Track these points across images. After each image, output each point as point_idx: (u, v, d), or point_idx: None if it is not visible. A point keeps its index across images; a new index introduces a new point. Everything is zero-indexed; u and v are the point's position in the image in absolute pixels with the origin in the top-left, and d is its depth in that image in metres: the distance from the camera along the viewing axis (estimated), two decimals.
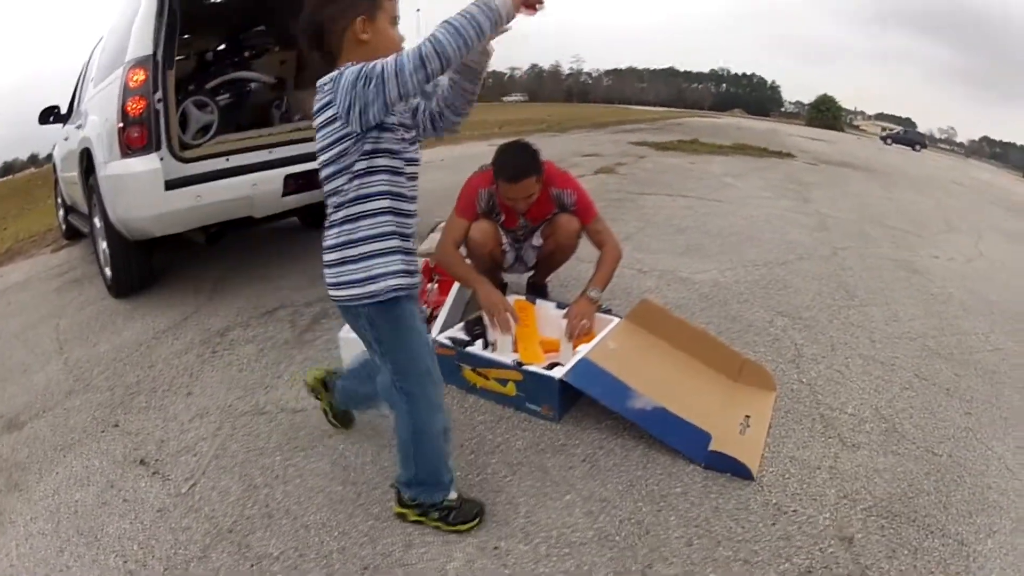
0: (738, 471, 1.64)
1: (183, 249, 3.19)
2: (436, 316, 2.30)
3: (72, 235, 4.43)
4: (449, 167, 6.96)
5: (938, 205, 7.61)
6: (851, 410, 2.04)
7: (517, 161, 2.22)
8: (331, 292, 1.35)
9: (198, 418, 1.95)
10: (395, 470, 1.51)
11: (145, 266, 3.01)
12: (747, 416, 1.86)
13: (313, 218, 3.94)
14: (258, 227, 3.18)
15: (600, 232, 2.39)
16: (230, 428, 1.88)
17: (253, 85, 3.51)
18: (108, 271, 3.01)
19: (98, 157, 2.56)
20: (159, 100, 2.42)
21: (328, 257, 1.33)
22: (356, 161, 1.26)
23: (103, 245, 2.99)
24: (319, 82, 1.27)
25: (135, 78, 2.38)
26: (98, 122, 2.62)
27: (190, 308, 2.84)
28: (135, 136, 2.40)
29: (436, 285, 2.60)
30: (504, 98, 54.15)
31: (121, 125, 2.38)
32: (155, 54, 2.41)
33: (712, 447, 1.67)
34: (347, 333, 2.19)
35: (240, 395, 2.07)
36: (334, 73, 1.24)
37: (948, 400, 2.19)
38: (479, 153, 8.59)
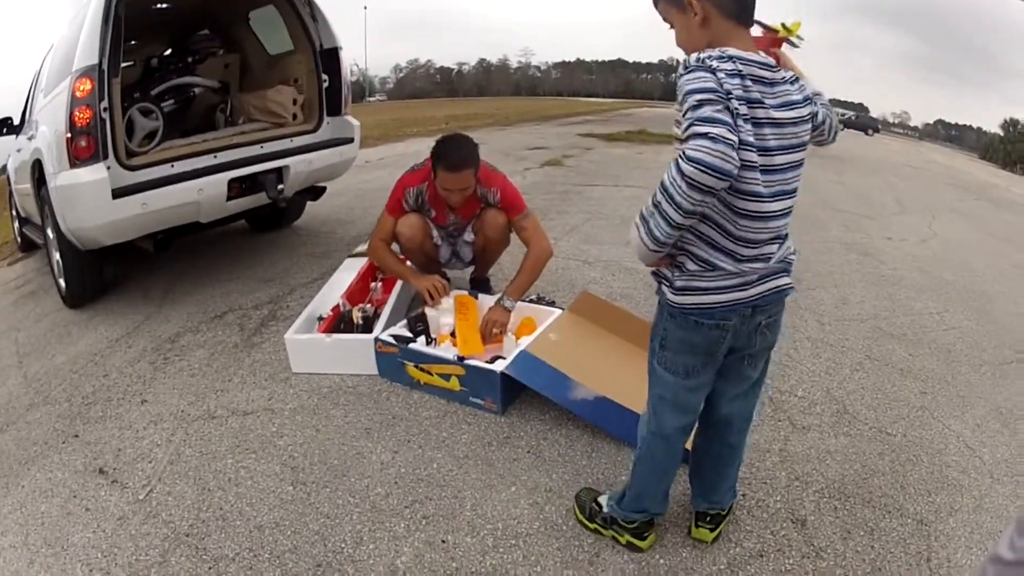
0: (684, 458, 1.62)
1: (134, 258, 3.11)
2: (380, 314, 2.29)
3: (28, 247, 4.32)
4: (390, 165, 6.92)
5: (890, 187, 7.78)
6: (801, 393, 2.06)
7: (458, 151, 2.20)
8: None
9: (152, 425, 1.91)
10: (722, 501, 1.39)
11: (97, 276, 2.95)
12: None
13: (261, 221, 3.90)
14: (205, 232, 3.13)
15: (525, 229, 2.35)
16: (183, 434, 1.85)
17: (197, 90, 3.45)
18: (62, 282, 2.95)
19: (48, 168, 2.51)
20: (105, 109, 2.37)
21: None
22: None
23: (56, 256, 2.93)
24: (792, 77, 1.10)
25: (82, 88, 2.32)
26: (48, 133, 2.56)
27: (141, 316, 2.78)
28: (82, 146, 2.34)
29: (380, 284, 2.60)
30: (368, 99, 52.95)
31: (69, 135, 2.33)
32: (100, 63, 2.36)
33: None
34: (294, 335, 2.18)
35: (192, 400, 2.03)
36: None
37: (902, 380, 2.22)
38: (422, 151, 8.38)
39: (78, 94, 2.32)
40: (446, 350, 2.05)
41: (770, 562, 1.34)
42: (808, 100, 1.10)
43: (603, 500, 1.40)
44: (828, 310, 2.83)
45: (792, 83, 1.08)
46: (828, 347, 2.43)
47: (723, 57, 1.00)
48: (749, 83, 1.00)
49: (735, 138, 0.93)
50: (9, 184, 4.08)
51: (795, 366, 2.24)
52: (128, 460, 1.74)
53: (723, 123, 0.93)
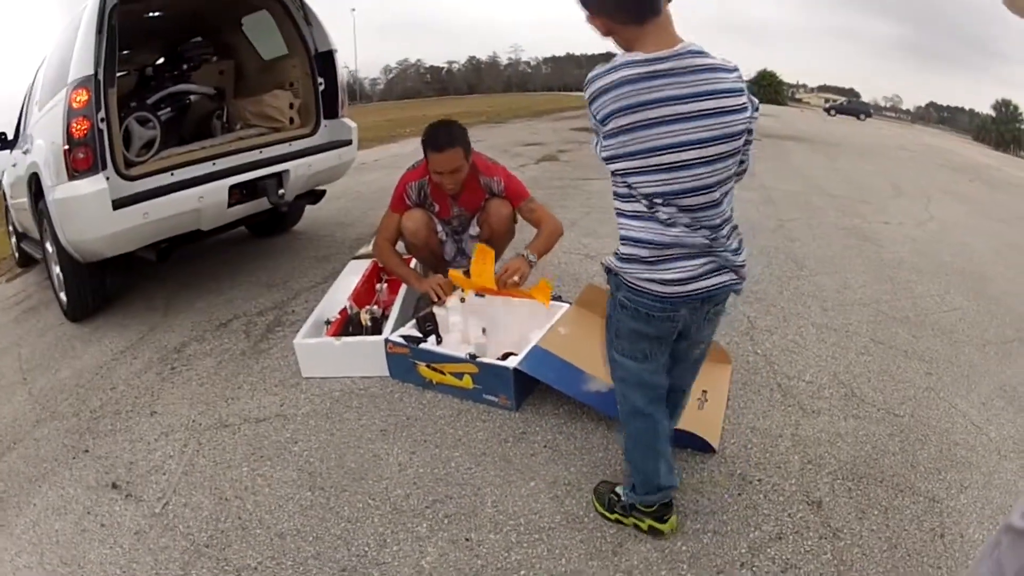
0: (699, 446, 1.66)
1: (134, 269, 3.11)
2: (388, 315, 2.30)
3: (26, 262, 4.30)
4: (385, 167, 6.94)
5: (885, 172, 7.84)
6: (809, 378, 2.08)
7: (444, 131, 2.25)
8: (743, 272, 1.23)
9: (164, 436, 1.91)
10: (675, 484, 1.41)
11: (99, 288, 2.94)
12: (704, 391, 1.87)
13: (261, 227, 3.90)
14: (205, 240, 3.13)
15: (534, 211, 2.42)
16: (196, 444, 1.85)
17: (193, 97, 3.44)
18: (63, 296, 2.95)
19: (46, 181, 2.49)
20: (102, 119, 2.36)
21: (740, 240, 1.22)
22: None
23: (56, 270, 2.92)
24: (732, 66, 1.14)
25: (78, 99, 2.31)
26: (44, 146, 2.55)
27: (145, 327, 2.78)
28: (80, 158, 2.34)
29: (385, 285, 2.61)
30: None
31: (67, 147, 2.32)
32: (96, 73, 2.36)
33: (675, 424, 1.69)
34: (303, 339, 2.18)
35: (202, 410, 2.03)
36: (736, 66, 1.15)
37: (907, 362, 2.25)
38: (419, 150, 8.34)
39: (75, 105, 2.31)
40: (457, 348, 2.06)
41: (789, 544, 1.36)
42: (742, 90, 1.12)
43: (620, 490, 1.43)
44: (831, 295, 2.85)
45: (719, 71, 1.10)
46: (833, 332, 2.46)
47: (613, 68, 1.09)
48: (646, 84, 1.06)
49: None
50: (5, 199, 4.08)
51: (801, 351, 2.27)
52: (141, 473, 1.74)
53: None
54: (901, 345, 2.38)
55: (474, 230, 2.52)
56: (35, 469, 1.85)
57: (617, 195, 1.18)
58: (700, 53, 1.09)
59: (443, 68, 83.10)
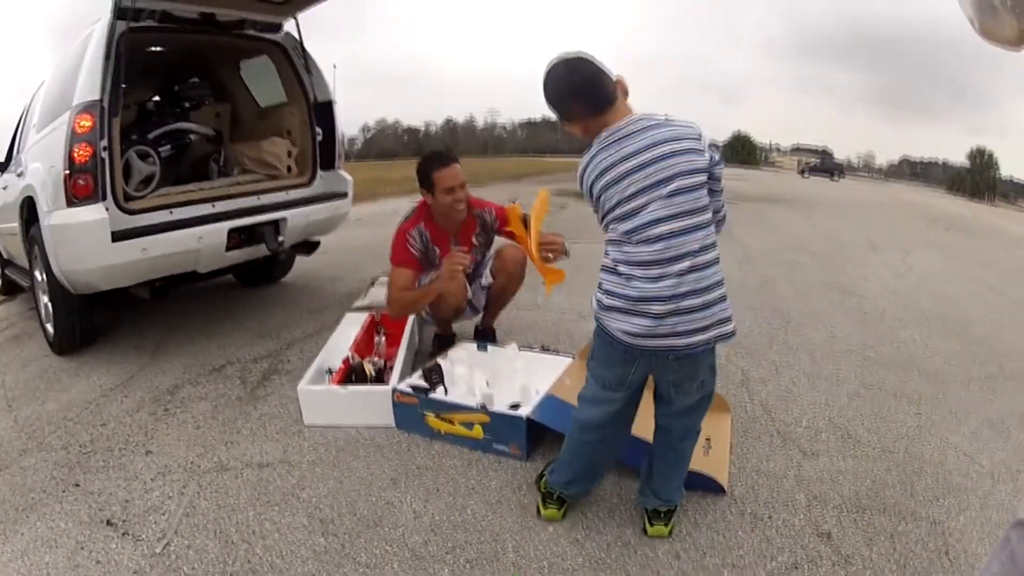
0: (710, 487, 1.77)
1: (122, 307, 3.12)
2: (391, 367, 2.37)
3: (11, 290, 4.24)
4: (368, 223, 7.13)
5: (861, 227, 8.38)
6: (805, 423, 2.24)
7: (440, 152, 2.46)
8: (723, 328, 1.39)
9: (161, 477, 1.91)
10: (672, 498, 1.61)
11: (88, 322, 2.93)
12: (707, 439, 1.98)
13: (250, 276, 3.95)
14: (193, 285, 3.21)
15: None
16: (196, 486, 1.86)
17: (193, 137, 3.54)
18: (50, 327, 2.92)
19: (42, 206, 2.50)
20: (104, 148, 2.40)
21: (710, 296, 1.37)
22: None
23: (44, 299, 2.90)
24: (685, 122, 1.41)
25: (82, 123, 2.35)
26: (42, 169, 2.56)
27: (134, 366, 2.78)
28: (81, 184, 2.35)
29: (384, 338, 2.67)
30: None
31: (67, 172, 2.34)
32: (102, 100, 2.40)
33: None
34: (307, 385, 2.22)
35: (201, 452, 2.04)
36: (692, 123, 1.42)
37: (896, 403, 2.44)
38: (399, 209, 8.65)
39: (78, 130, 2.35)
40: (463, 399, 2.13)
41: (805, 573, 1.47)
42: (696, 137, 1.38)
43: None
44: (818, 346, 3.07)
45: (669, 125, 1.38)
46: (823, 380, 2.64)
47: (589, 149, 1.43)
48: (610, 151, 1.38)
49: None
50: None
51: (795, 399, 2.43)
52: (138, 512, 1.73)
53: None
54: (890, 388, 2.57)
55: (486, 280, 2.64)
56: (22, 499, 1.82)
57: (604, 258, 1.45)
58: (650, 117, 1.40)
59: (420, 129, 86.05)
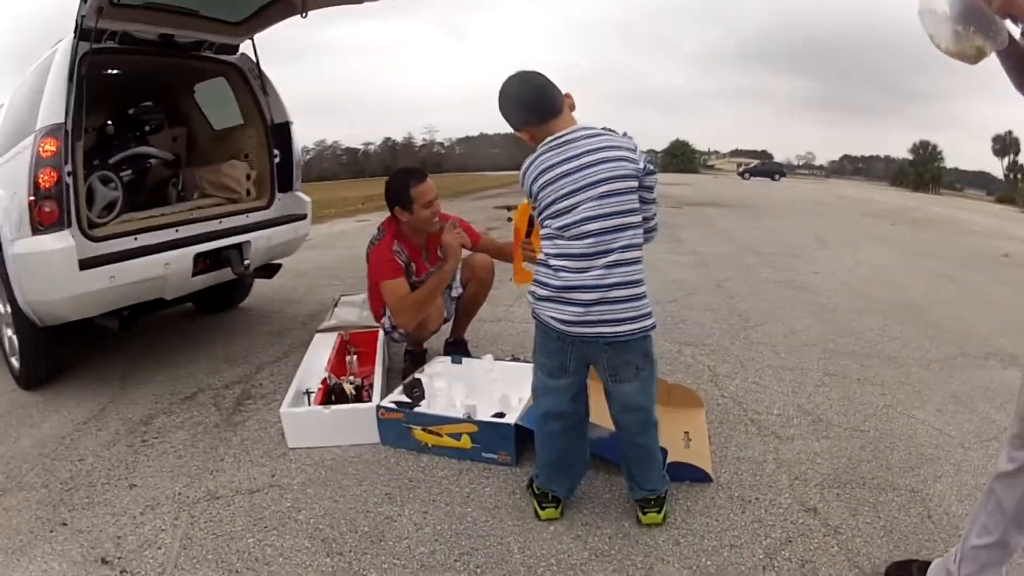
0: (697, 476, 1.91)
1: (82, 338, 3.05)
2: (369, 385, 2.42)
3: None
4: (318, 245, 7.13)
5: (808, 226, 8.94)
6: (776, 411, 2.42)
7: (409, 168, 2.58)
8: (635, 325, 1.53)
9: (150, 510, 1.88)
10: (655, 487, 1.72)
11: (54, 355, 2.83)
12: (686, 432, 2.14)
13: (208, 302, 3.89)
14: (153, 314, 3.13)
15: (494, 241, 2.82)
16: (188, 516, 1.84)
17: (154, 161, 3.50)
18: (14, 361, 2.82)
19: (4, 234, 2.42)
20: (69, 173, 2.35)
21: (636, 291, 1.54)
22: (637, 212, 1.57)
23: (8, 332, 2.80)
24: (613, 130, 1.62)
25: (46, 148, 2.30)
26: (4, 196, 2.47)
27: (104, 399, 2.71)
28: (47, 211, 2.29)
29: (355, 357, 2.70)
30: None
31: (32, 198, 2.28)
32: (66, 123, 2.36)
33: (669, 459, 1.90)
34: (289, 408, 2.24)
35: (187, 482, 2.02)
36: (629, 135, 1.62)
37: (861, 388, 2.67)
38: (346, 230, 8.93)
39: (43, 154, 2.30)
40: (447, 411, 2.20)
41: (799, 545, 1.62)
42: (629, 147, 1.57)
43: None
44: (779, 340, 3.30)
45: (604, 135, 1.58)
46: (788, 371, 2.85)
47: (533, 152, 1.61)
48: (551, 154, 1.56)
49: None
50: None
51: (763, 391, 2.62)
52: (132, 548, 1.70)
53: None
54: (853, 375, 2.81)
55: (456, 291, 2.74)
56: (9, 541, 1.76)
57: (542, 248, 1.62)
58: (589, 128, 1.59)
59: (359, 150, 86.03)
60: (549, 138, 1.59)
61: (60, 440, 2.37)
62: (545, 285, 1.57)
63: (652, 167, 1.60)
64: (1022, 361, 3.04)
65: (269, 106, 3.46)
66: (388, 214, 2.60)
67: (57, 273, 2.34)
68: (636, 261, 1.54)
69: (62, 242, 2.33)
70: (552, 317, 1.56)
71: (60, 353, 2.89)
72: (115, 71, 3.39)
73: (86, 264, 2.39)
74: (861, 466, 2.01)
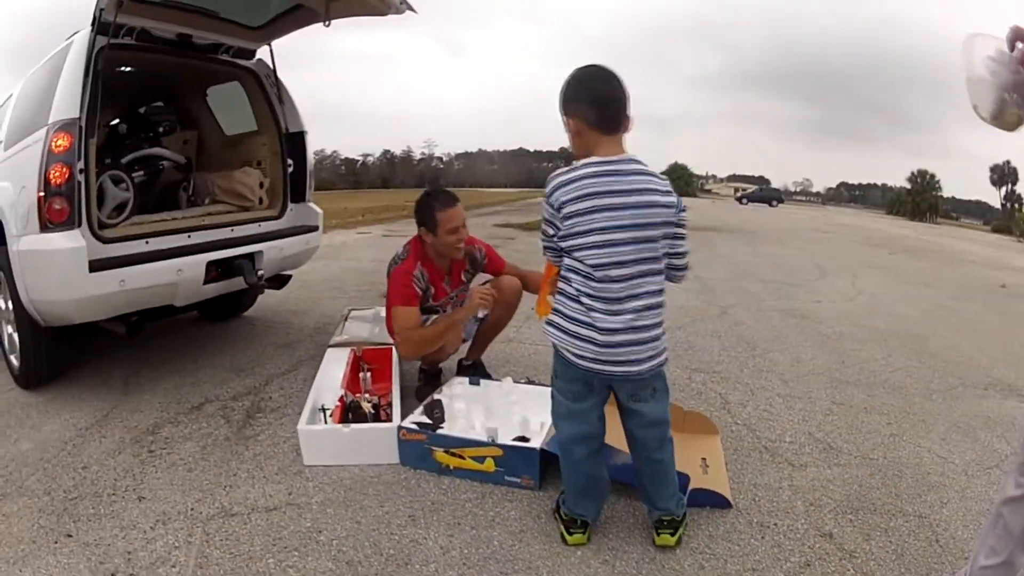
0: (717, 502, 1.97)
1: (84, 339, 3.02)
2: (387, 403, 2.44)
3: None
4: (321, 257, 7.02)
5: (806, 254, 9.14)
6: (788, 439, 2.50)
7: (443, 192, 2.57)
8: (653, 362, 1.62)
9: (161, 525, 1.86)
10: (669, 507, 1.76)
11: (56, 355, 2.81)
12: (703, 458, 2.20)
13: (213, 311, 3.88)
14: (158, 320, 3.13)
15: (517, 267, 2.85)
16: (202, 533, 1.82)
17: (165, 163, 3.50)
18: (15, 360, 2.79)
19: (11, 229, 2.39)
20: (81, 170, 2.34)
21: (659, 332, 1.62)
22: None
23: (8, 330, 2.78)
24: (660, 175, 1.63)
25: (59, 143, 2.27)
26: (11, 189, 2.44)
27: (107, 404, 2.70)
28: (57, 208, 2.27)
29: (369, 374, 2.71)
30: None
31: (42, 194, 2.25)
32: (80, 118, 2.35)
33: (691, 486, 1.96)
34: (307, 426, 2.25)
35: (199, 497, 2.01)
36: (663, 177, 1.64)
37: (868, 417, 2.78)
38: (348, 242, 8.98)
39: (55, 149, 2.27)
40: (466, 432, 2.22)
41: (817, 569, 1.69)
42: (668, 192, 1.60)
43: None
44: (786, 369, 3.40)
45: (650, 176, 1.59)
46: (797, 400, 2.94)
47: (574, 168, 1.58)
48: (594, 180, 1.54)
49: (551, 232, 1.64)
50: None
51: (775, 419, 2.70)
52: (144, 565, 1.68)
53: (545, 231, 1.66)
54: (859, 404, 2.92)
55: (481, 313, 2.74)
56: (11, 550, 1.73)
57: (563, 278, 1.64)
58: (638, 161, 1.59)
59: (358, 160, 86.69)
60: (596, 159, 1.57)
61: (62, 445, 2.35)
62: (572, 319, 1.60)
63: (682, 204, 1.64)
64: (1022, 391, 3.18)
65: (284, 114, 3.49)
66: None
67: (66, 274, 2.32)
68: (662, 304, 1.62)
69: (72, 242, 2.31)
70: (575, 353, 1.60)
71: (62, 354, 2.86)
72: (129, 68, 3.40)
73: (96, 266, 2.37)
74: (872, 493, 2.11)
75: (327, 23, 3.17)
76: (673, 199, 1.60)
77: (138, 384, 2.95)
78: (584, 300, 1.58)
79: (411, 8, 3.10)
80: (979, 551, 1.35)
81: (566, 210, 1.56)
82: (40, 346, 2.71)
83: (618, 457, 2.02)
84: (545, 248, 1.71)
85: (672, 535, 1.74)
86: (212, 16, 3.05)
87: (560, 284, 1.65)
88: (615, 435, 1.86)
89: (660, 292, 1.61)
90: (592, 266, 1.56)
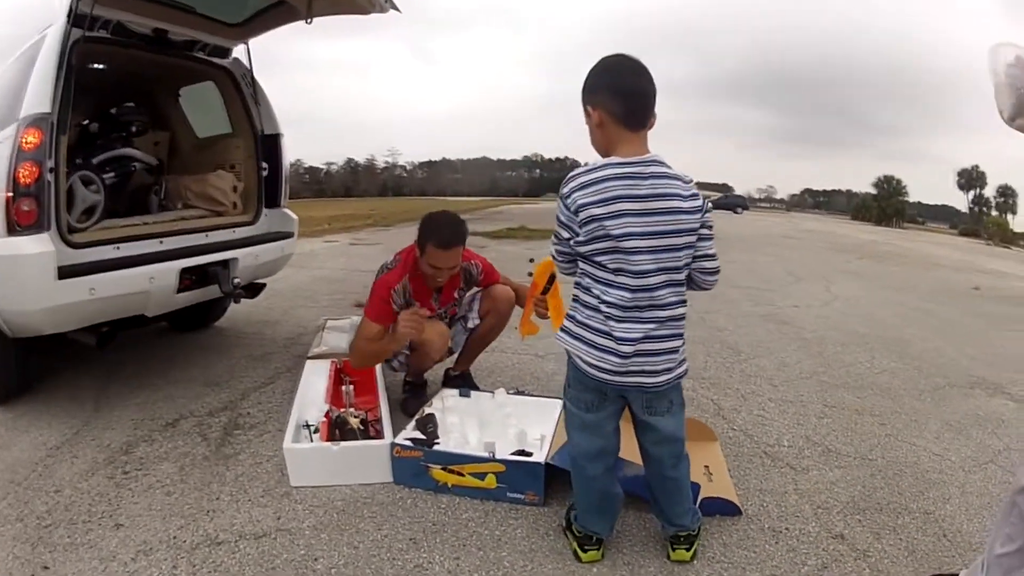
0: (727, 510, 1.95)
1: (50, 352, 2.87)
2: (375, 418, 2.36)
3: None
4: (292, 264, 6.91)
5: (778, 260, 9.39)
6: (787, 443, 2.53)
7: (450, 229, 2.40)
8: (671, 374, 1.58)
9: (142, 555, 1.72)
10: (684, 523, 1.73)
11: (24, 369, 2.65)
12: (706, 466, 2.18)
13: (182, 321, 3.71)
14: (124, 331, 2.97)
15: (508, 280, 2.78)
16: (188, 565, 1.69)
17: (137, 165, 3.35)
18: None
19: None
20: (51, 170, 2.21)
21: (678, 343, 1.59)
22: None
23: None
24: (685, 177, 1.56)
25: (29, 139, 2.15)
26: None
27: (77, 421, 2.55)
28: (25, 210, 2.14)
29: (351, 387, 2.63)
30: None
31: (10, 195, 2.12)
32: (51, 114, 2.22)
33: (701, 495, 1.94)
34: (293, 444, 2.14)
35: (181, 524, 1.87)
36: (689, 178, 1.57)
37: (860, 418, 2.84)
38: (315, 250, 8.88)
39: (25, 147, 2.15)
40: (461, 447, 2.16)
41: (835, 571, 1.71)
42: (693, 196, 1.55)
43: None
44: (774, 373, 3.45)
45: (674, 179, 1.52)
46: (789, 404, 2.97)
47: (595, 168, 1.50)
48: (617, 183, 1.46)
49: (566, 236, 1.56)
50: None
51: (770, 423, 2.72)
52: None
53: (558, 235, 1.59)
54: (851, 406, 2.97)
55: (473, 322, 2.69)
56: None
57: (578, 284, 1.59)
58: (662, 163, 1.51)
59: (322, 169, 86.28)
60: (618, 160, 1.49)
61: (32, 466, 2.20)
62: (589, 327, 1.54)
63: (709, 207, 1.61)
64: (1007, 390, 3.31)
65: (260, 116, 3.40)
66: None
67: (33, 280, 2.19)
68: (684, 316, 1.59)
69: (40, 246, 2.18)
70: (591, 364, 1.54)
71: (29, 367, 2.71)
72: (100, 65, 3.26)
73: (65, 273, 2.24)
74: (876, 493, 2.15)
75: (309, 20, 3.09)
76: (698, 203, 1.54)
77: (108, 399, 2.79)
78: (603, 309, 1.51)
79: (395, 7, 3.05)
80: (995, 539, 1.38)
81: (585, 213, 1.46)
82: (7, 359, 2.55)
83: (629, 469, 1.98)
84: (557, 253, 1.62)
85: (688, 550, 1.71)
86: (189, 11, 2.94)
87: (576, 291, 1.59)
88: (626, 447, 1.82)
89: (683, 303, 1.57)
90: (615, 271, 1.50)
